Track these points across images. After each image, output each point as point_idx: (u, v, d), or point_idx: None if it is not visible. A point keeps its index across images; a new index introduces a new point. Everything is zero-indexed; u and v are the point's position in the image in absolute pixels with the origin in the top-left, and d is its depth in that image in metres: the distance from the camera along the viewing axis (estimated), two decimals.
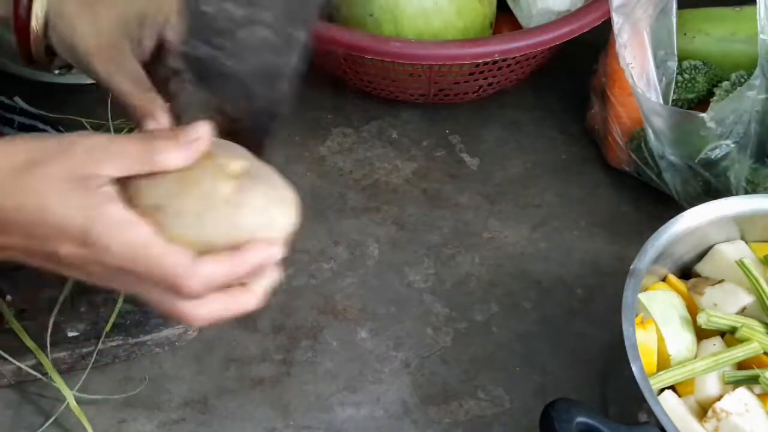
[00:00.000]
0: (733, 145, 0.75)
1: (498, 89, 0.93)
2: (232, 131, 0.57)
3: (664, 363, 0.66)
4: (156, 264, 0.48)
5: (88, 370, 0.72)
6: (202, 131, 0.51)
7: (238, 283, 0.51)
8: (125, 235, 0.48)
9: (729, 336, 0.68)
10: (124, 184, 0.50)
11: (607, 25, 0.78)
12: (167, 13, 0.61)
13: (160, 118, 0.58)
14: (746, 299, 0.69)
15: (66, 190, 0.47)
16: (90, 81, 0.90)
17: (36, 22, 0.60)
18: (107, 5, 0.61)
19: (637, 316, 0.66)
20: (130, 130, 0.91)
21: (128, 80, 0.60)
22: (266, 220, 0.51)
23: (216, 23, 0.54)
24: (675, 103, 0.82)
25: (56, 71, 0.71)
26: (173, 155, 0.50)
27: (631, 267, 0.65)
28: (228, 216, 0.50)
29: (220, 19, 0.54)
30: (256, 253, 0.49)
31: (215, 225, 0.49)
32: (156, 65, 0.63)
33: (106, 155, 0.48)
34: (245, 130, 0.58)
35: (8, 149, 0.48)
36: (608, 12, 0.77)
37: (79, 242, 0.47)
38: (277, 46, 0.55)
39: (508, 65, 0.87)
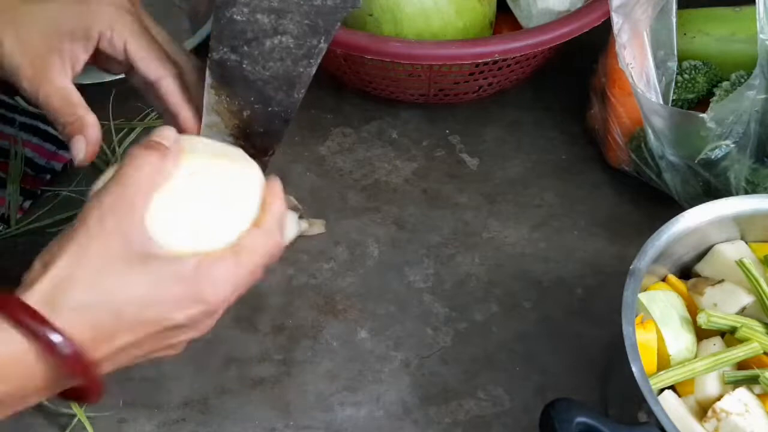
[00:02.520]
0: (732, 146, 0.75)
1: (498, 89, 0.93)
2: (246, 134, 0.59)
3: (664, 363, 0.66)
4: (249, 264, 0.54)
5: None
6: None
7: None
8: (216, 272, 0.52)
9: (729, 336, 0.68)
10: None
11: (607, 25, 0.78)
12: (108, 28, 0.61)
13: (89, 135, 0.60)
14: (746, 299, 0.69)
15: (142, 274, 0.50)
16: (90, 81, 0.91)
17: None
18: (30, 22, 0.61)
19: (637, 316, 0.66)
20: (131, 131, 0.91)
21: (56, 97, 0.60)
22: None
23: (245, 33, 0.56)
24: (675, 103, 0.82)
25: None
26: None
27: (631, 267, 0.65)
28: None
29: (249, 29, 0.56)
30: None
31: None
32: (131, 76, 0.64)
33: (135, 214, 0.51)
34: (258, 133, 0.60)
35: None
36: (608, 12, 0.77)
37: (197, 304, 0.52)
38: (297, 56, 0.57)
39: (508, 65, 0.87)
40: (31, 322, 0.46)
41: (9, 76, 0.61)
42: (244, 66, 0.58)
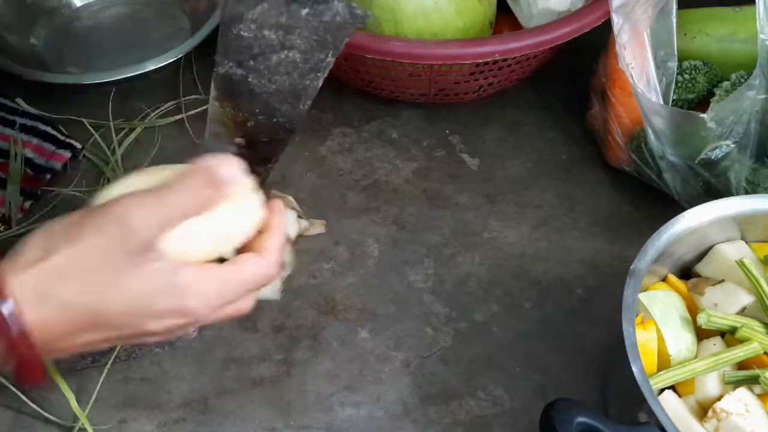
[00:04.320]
0: (733, 146, 0.75)
1: (498, 89, 0.93)
2: (250, 143, 0.60)
3: (664, 363, 0.66)
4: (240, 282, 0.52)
5: (87, 370, 0.72)
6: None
7: None
8: (209, 287, 0.51)
9: (729, 336, 0.68)
10: None
11: (607, 26, 0.78)
12: None
13: None
14: (746, 299, 0.69)
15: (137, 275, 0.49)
16: (90, 81, 0.91)
17: None
18: None
19: (637, 316, 0.66)
20: (131, 130, 0.91)
21: None
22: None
23: (252, 48, 0.56)
24: (675, 103, 0.82)
25: None
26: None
27: (631, 267, 0.65)
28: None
29: (256, 45, 0.56)
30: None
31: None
32: None
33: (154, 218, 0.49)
34: (262, 142, 0.60)
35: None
36: (608, 12, 0.77)
37: (178, 316, 0.51)
38: (304, 69, 0.57)
39: (509, 65, 0.87)
40: None
41: None
42: (250, 80, 0.58)
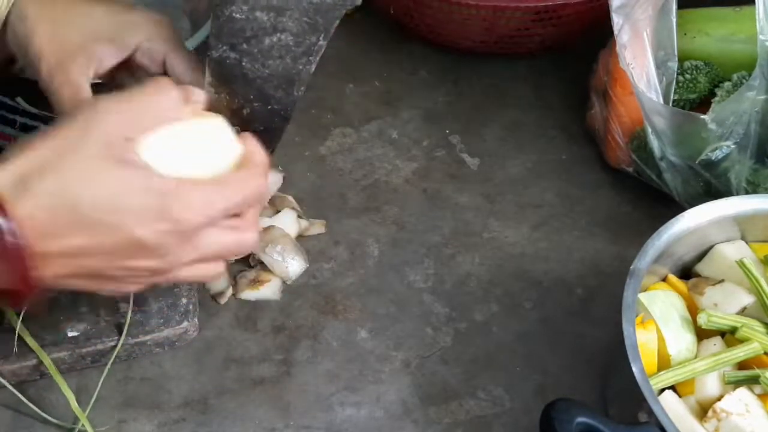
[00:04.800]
0: (733, 146, 0.75)
1: (554, 45, 0.97)
2: (247, 131, 0.60)
3: (664, 363, 0.66)
4: (238, 189, 0.53)
5: (87, 370, 0.72)
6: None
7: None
8: (194, 193, 0.51)
9: (729, 336, 0.68)
10: None
11: (607, 25, 0.78)
12: (147, 40, 0.66)
13: None
14: (746, 299, 0.69)
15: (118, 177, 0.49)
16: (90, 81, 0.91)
17: None
18: (70, 22, 0.65)
19: (637, 316, 0.66)
20: None
21: (68, 88, 0.63)
22: None
23: (244, 31, 0.56)
24: (677, 103, 0.82)
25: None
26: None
27: (631, 267, 0.65)
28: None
29: (248, 27, 0.56)
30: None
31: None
32: (119, 76, 0.68)
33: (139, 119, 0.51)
34: (258, 131, 0.60)
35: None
36: None
37: (165, 222, 0.49)
38: (297, 53, 0.57)
39: (568, 14, 0.90)
40: None
41: (30, 56, 0.64)
42: (244, 64, 0.58)
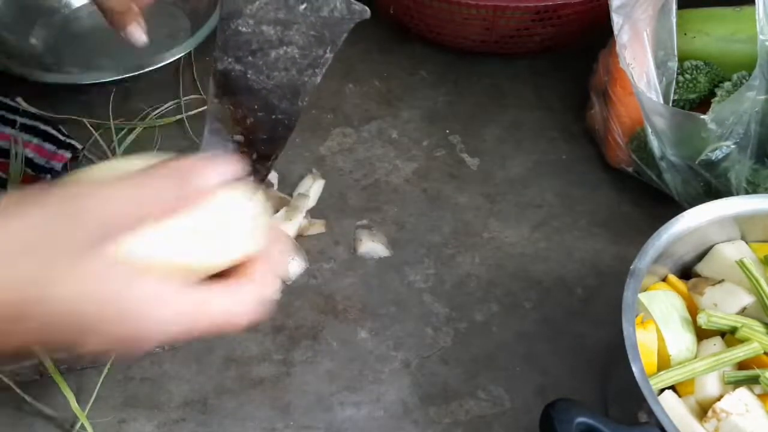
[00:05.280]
0: (733, 146, 0.75)
1: (554, 45, 0.97)
2: (249, 140, 0.60)
3: (664, 363, 0.66)
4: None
5: (87, 370, 0.72)
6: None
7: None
8: (165, 309, 0.43)
9: (729, 336, 0.68)
10: None
11: (607, 25, 0.78)
12: None
13: (141, 22, 0.70)
14: (746, 299, 0.69)
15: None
16: (90, 81, 0.91)
17: None
18: None
19: (637, 316, 0.66)
20: (131, 131, 0.91)
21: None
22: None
23: (250, 43, 0.56)
24: (677, 103, 0.82)
25: None
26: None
27: (631, 267, 0.65)
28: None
29: (254, 40, 0.56)
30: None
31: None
32: None
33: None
34: (262, 140, 0.60)
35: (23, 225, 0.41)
36: None
37: (119, 340, 0.43)
38: (302, 65, 0.58)
39: (567, 14, 0.90)
40: None
41: None
42: (249, 75, 0.58)
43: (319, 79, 0.59)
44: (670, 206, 0.79)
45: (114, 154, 0.88)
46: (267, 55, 0.58)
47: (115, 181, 0.43)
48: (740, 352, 0.65)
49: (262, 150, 0.60)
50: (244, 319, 0.46)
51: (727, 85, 0.80)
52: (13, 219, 0.41)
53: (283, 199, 0.84)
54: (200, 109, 0.92)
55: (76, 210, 0.41)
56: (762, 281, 0.67)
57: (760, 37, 0.70)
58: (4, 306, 0.40)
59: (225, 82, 0.59)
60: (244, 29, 0.57)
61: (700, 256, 0.73)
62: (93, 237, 0.41)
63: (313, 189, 0.85)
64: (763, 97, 0.72)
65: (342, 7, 0.56)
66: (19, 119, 0.90)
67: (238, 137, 0.60)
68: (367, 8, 0.57)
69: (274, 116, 0.60)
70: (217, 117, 0.60)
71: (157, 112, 0.93)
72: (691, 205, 0.71)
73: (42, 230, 0.41)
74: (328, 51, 0.58)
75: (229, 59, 0.58)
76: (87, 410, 0.70)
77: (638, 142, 0.82)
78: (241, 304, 0.46)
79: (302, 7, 0.56)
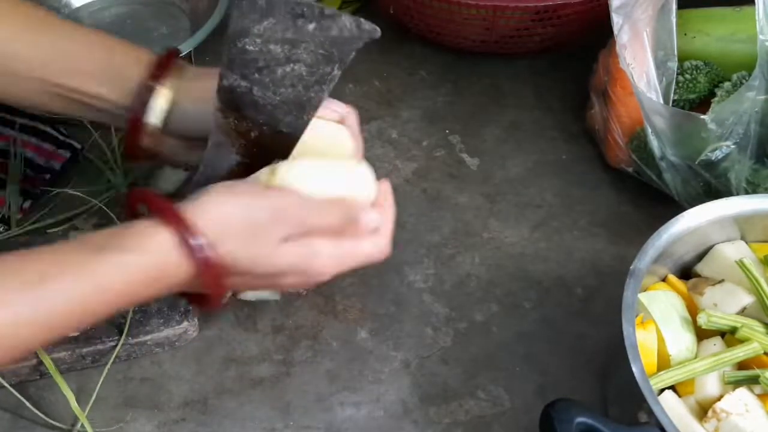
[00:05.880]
0: (733, 146, 0.75)
1: (553, 44, 0.96)
2: (252, 153, 0.59)
3: (664, 363, 0.66)
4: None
5: (87, 370, 0.72)
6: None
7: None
8: (332, 261, 0.59)
9: (729, 336, 0.68)
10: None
11: (607, 25, 0.78)
12: None
13: None
14: (746, 299, 0.69)
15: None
16: None
17: (155, 117, 0.64)
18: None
19: (637, 316, 0.66)
20: None
21: None
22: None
23: (257, 61, 0.56)
24: (676, 103, 0.82)
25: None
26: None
27: (631, 267, 0.65)
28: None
29: (261, 58, 0.56)
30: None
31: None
32: None
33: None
34: (266, 152, 0.60)
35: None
36: None
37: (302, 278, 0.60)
38: (309, 82, 0.57)
39: (567, 15, 0.90)
40: (181, 229, 0.54)
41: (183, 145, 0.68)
42: (254, 92, 0.57)
43: (326, 95, 0.58)
44: (670, 206, 0.79)
45: (114, 154, 0.88)
46: (273, 72, 0.57)
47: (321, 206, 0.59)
48: (740, 352, 0.65)
49: (266, 161, 0.60)
50: (380, 258, 0.62)
51: (727, 85, 0.80)
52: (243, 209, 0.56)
53: None
54: None
55: (278, 218, 0.57)
56: (762, 281, 0.67)
57: (760, 37, 0.70)
58: (239, 264, 0.56)
59: (230, 97, 0.58)
60: (251, 47, 0.56)
61: (700, 256, 0.73)
62: (285, 238, 0.57)
63: None
64: (763, 97, 0.72)
65: (352, 26, 0.56)
66: (19, 119, 0.90)
67: (242, 150, 0.60)
68: (377, 28, 0.56)
69: (278, 130, 0.59)
70: (221, 130, 0.59)
71: None
72: (691, 205, 0.71)
73: (255, 227, 0.56)
74: (336, 68, 0.57)
75: (235, 76, 0.57)
76: (87, 410, 0.70)
77: (638, 142, 0.82)
78: (376, 246, 0.61)
79: (311, 27, 0.55)
